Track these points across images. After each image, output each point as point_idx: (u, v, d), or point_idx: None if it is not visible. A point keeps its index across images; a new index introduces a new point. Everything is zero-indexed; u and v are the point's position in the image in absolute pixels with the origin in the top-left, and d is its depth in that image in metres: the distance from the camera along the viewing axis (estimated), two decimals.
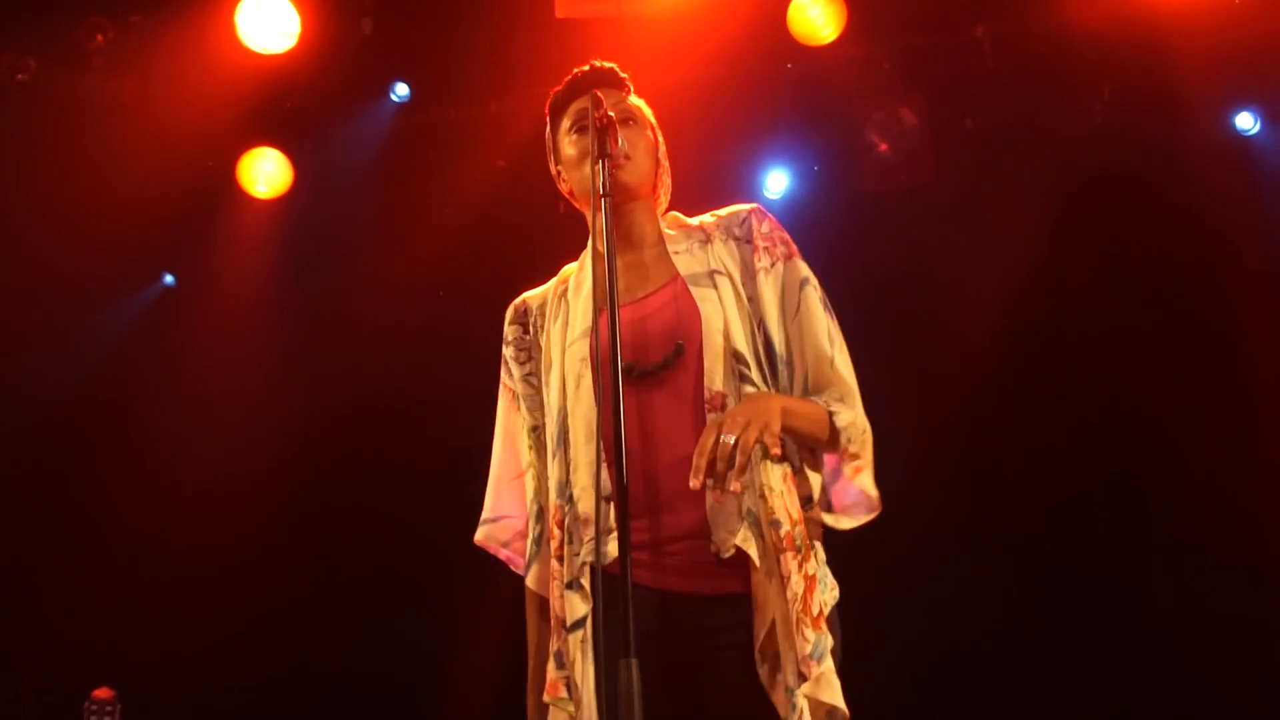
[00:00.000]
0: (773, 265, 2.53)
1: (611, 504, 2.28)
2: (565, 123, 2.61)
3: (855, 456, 2.46)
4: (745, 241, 2.56)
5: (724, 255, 2.53)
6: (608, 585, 2.13)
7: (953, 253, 5.75)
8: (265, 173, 5.78)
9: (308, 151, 5.80)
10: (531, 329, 2.61)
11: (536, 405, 2.58)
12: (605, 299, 2.19)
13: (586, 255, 2.64)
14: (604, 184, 2.29)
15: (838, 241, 5.91)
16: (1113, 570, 5.58)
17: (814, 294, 2.53)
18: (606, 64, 2.65)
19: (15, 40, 5.28)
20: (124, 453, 5.86)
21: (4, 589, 5.72)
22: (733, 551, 2.32)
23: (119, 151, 5.50)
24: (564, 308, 2.56)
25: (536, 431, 2.56)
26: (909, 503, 5.55)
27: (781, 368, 2.46)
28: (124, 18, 5.27)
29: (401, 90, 5.71)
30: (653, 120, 2.69)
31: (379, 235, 5.87)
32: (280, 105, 5.65)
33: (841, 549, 5.56)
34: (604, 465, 2.31)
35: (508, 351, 2.63)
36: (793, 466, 2.42)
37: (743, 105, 5.50)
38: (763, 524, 2.31)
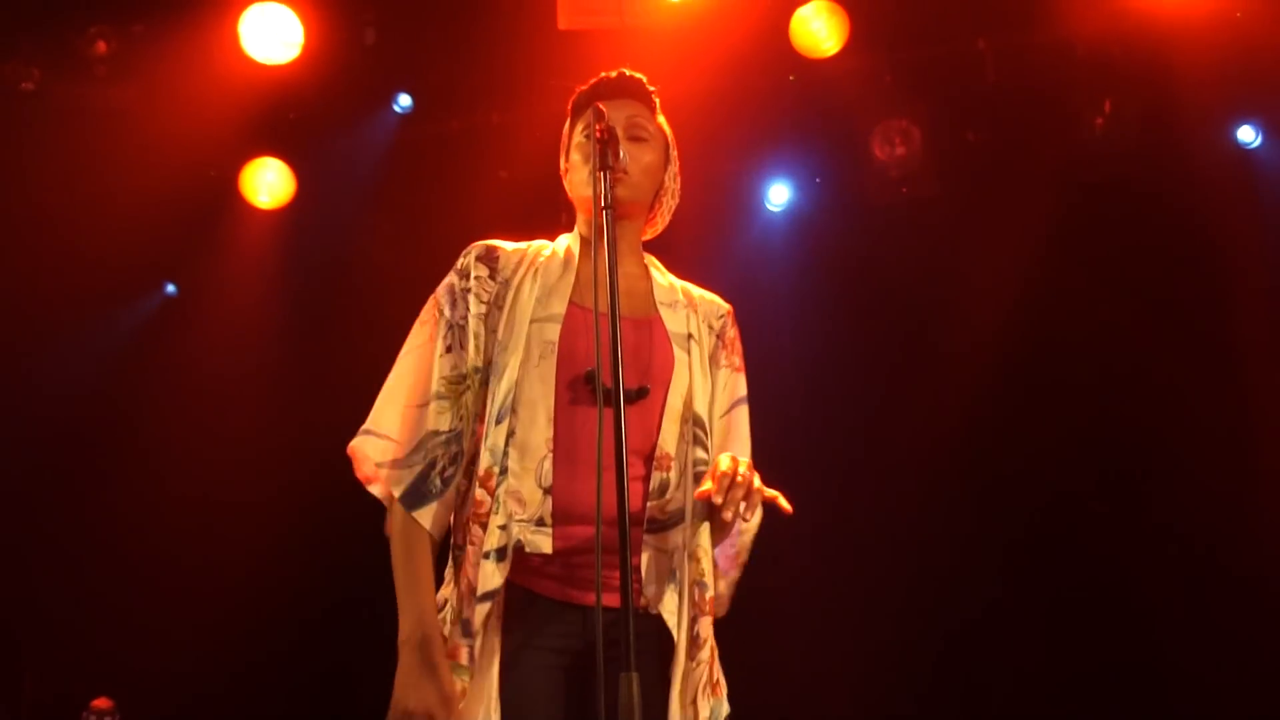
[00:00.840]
0: (726, 365, 2.63)
1: (550, 497, 2.33)
2: (579, 124, 2.61)
3: (739, 564, 2.58)
4: (716, 335, 2.65)
5: (702, 330, 2.61)
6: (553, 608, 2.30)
7: (954, 265, 5.76)
8: (267, 183, 5.79)
9: (310, 162, 5.81)
10: (499, 278, 2.52)
11: (482, 347, 2.47)
12: (588, 296, 2.36)
13: (568, 240, 2.62)
14: (605, 196, 2.28)
15: (840, 253, 5.94)
16: (1111, 575, 5.63)
17: (747, 414, 2.64)
18: (636, 74, 2.63)
19: (19, 49, 5.29)
20: (125, 462, 5.87)
21: (4, 598, 5.72)
22: (656, 610, 2.37)
23: (122, 160, 5.51)
24: (539, 280, 2.50)
25: (479, 373, 2.45)
26: (911, 508, 5.63)
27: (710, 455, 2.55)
28: (127, 27, 5.28)
29: (404, 101, 5.72)
30: (669, 140, 2.68)
31: (381, 246, 5.87)
32: (283, 115, 5.66)
33: (843, 553, 5.58)
34: (550, 457, 2.34)
35: (464, 284, 2.51)
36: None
37: (745, 117, 5.51)
38: (691, 586, 2.38)
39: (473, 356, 2.47)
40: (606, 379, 2.16)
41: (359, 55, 5.40)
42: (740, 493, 2.22)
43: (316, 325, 5.98)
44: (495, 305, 2.50)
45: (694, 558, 2.41)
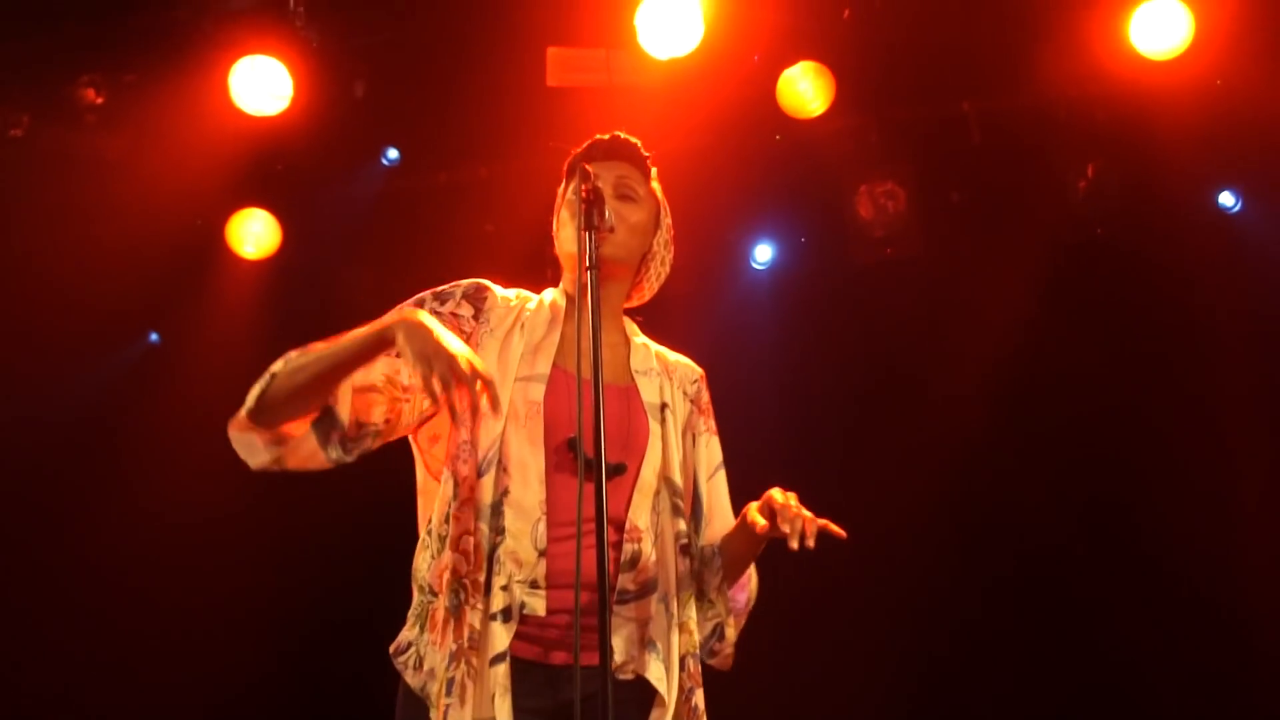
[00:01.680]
0: (705, 430, 2.69)
1: (545, 559, 2.33)
2: (571, 184, 2.63)
3: (748, 614, 2.68)
4: (691, 401, 2.69)
5: (677, 397, 2.64)
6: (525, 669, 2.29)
7: (938, 324, 5.79)
8: (254, 233, 5.77)
9: (297, 213, 5.80)
10: (482, 319, 2.50)
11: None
12: (571, 359, 2.38)
13: (554, 295, 2.63)
14: (590, 256, 2.29)
15: (824, 312, 5.96)
16: (1094, 619, 5.67)
17: (725, 478, 2.72)
18: (630, 138, 2.65)
19: (9, 96, 5.30)
20: (107, 511, 5.81)
21: None
22: (631, 677, 2.39)
23: (109, 209, 5.51)
24: (524, 335, 2.50)
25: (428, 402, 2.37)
26: (897, 560, 5.61)
27: (701, 520, 2.61)
28: (118, 76, 5.29)
29: (392, 154, 5.73)
30: (661, 206, 2.70)
31: (366, 297, 5.86)
32: (271, 167, 5.67)
33: (826, 601, 5.55)
34: (543, 520, 2.34)
35: (436, 306, 2.49)
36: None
37: (731, 176, 5.54)
38: (684, 658, 2.42)
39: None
40: (588, 448, 2.16)
41: (348, 108, 5.42)
42: (800, 524, 2.29)
43: None
44: (474, 345, 2.47)
45: (685, 630, 2.45)
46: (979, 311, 5.64)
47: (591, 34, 5.10)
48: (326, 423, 2.36)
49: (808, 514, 2.34)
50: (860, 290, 5.87)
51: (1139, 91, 5.13)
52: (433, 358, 2.10)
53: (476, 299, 2.53)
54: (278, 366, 2.36)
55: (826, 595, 5.56)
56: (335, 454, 2.37)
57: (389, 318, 2.27)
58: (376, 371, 2.38)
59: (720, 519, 2.64)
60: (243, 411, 2.37)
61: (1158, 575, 5.59)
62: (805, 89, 5.24)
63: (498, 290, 2.58)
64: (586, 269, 2.28)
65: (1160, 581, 5.58)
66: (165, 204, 5.46)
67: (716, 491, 2.68)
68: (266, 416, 2.35)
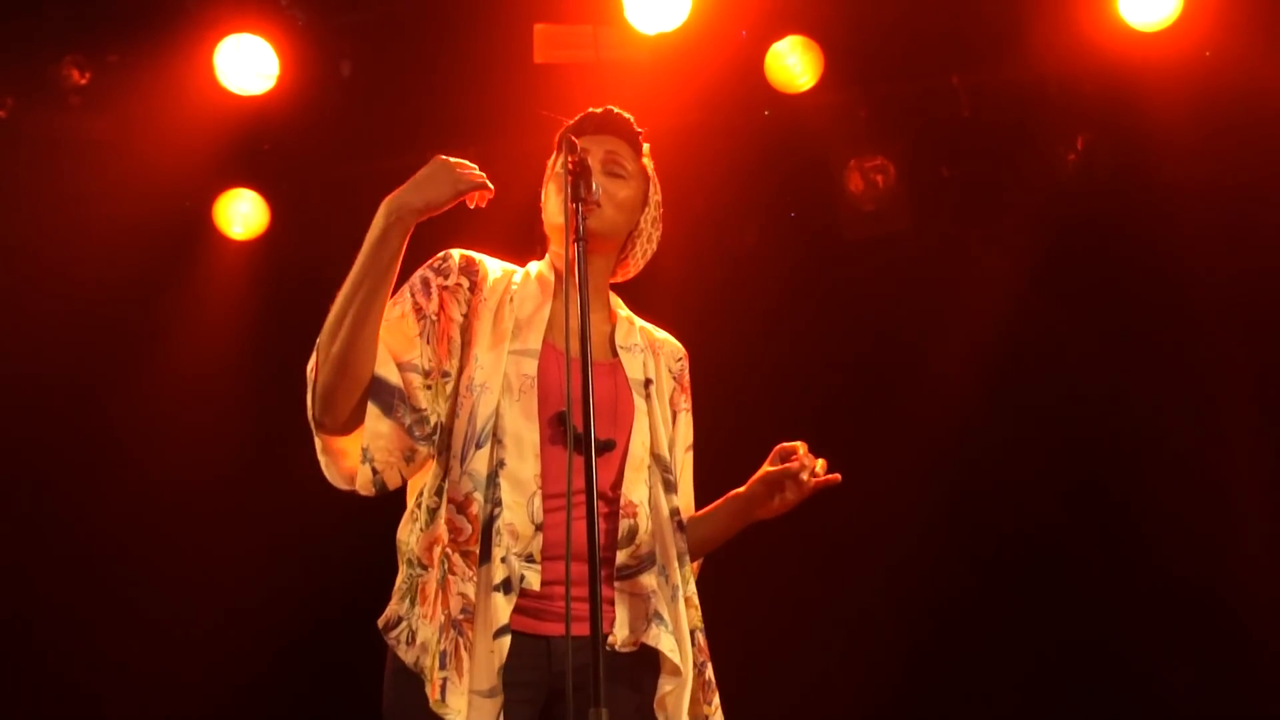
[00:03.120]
0: (685, 409, 2.72)
1: (541, 533, 2.35)
2: (559, 157, 2.63)
3: None
4: (675, 378, 2.72)
5: (662, 373, 2.66)
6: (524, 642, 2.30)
7: (929, 299, 5.79)
8: (242, 214, 5.75)
9: (284, 193, 5.79)
10: (479, 293, 2.51)
11: (455, 354, 2.45)
12: (560, 334, 2.33)
13: (540, 268, 2.64)
14: (579, 229, 2.28)
15: (814, 288, 5.95)
16: (1088, 605, 5.67)
17: (691, 459, 2.76)
18: (623, 113, 2.65)
19: None
20: (93, 499, 5.80)
21: None
22: (632, 649, 2.41)
23: (95, 190, 5.48)
24: (510, 308, 2.51)
25: (446, 378, 2.43)
26: (887, 539, 5.62)
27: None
28: (102, 57, 5.26)
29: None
30: (651, 183, 2.70)
31: None
32: (258, 146, 5.64)
33: (816, 584, 5.56)
34: (538, 493, 2.36)
35: (440, 280, 2.50)
36: None
37: (719, 152, 5.52)
38: (693, 633, 2.45)
39: (445, 360, 2.44)
40: (577, 423, 2.16)
41: (334, 87, 5.39)
42: (811, 462, 2.56)
43: (291, 356, 5.90)
44: (473, 316, 2.49)
45: (690, 604, 2.48)
46: (970, 286, 5.64)
47: (578, 10, 5.09)
48: (381, 391, 2.36)
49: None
50: (850, 265, 5.86)
51: (1128, 63, 5.12)
52: (457, 181, 2.38)
53: (470, 272, 2.54)
54: (311, 361, 2.41)
55: (815, 574, 5.57)
56: (416, 429, 2.37)
57: (380, 218, 2.43)
58: (422, 355, 2.41)
59: (684, 498, 2.67)
60: (315, 432, 2.41)
61: (1147, 554, 5.60)
62: (793, 64, 5.23)
63: (484, 261, 2.59)
64: (573, 241, 2.27)
65: (1149, 560, 5.59)
66: (152, 185, 5.43)
67: (684, 471, 2.70)
68: (332, 410, 2.37)
